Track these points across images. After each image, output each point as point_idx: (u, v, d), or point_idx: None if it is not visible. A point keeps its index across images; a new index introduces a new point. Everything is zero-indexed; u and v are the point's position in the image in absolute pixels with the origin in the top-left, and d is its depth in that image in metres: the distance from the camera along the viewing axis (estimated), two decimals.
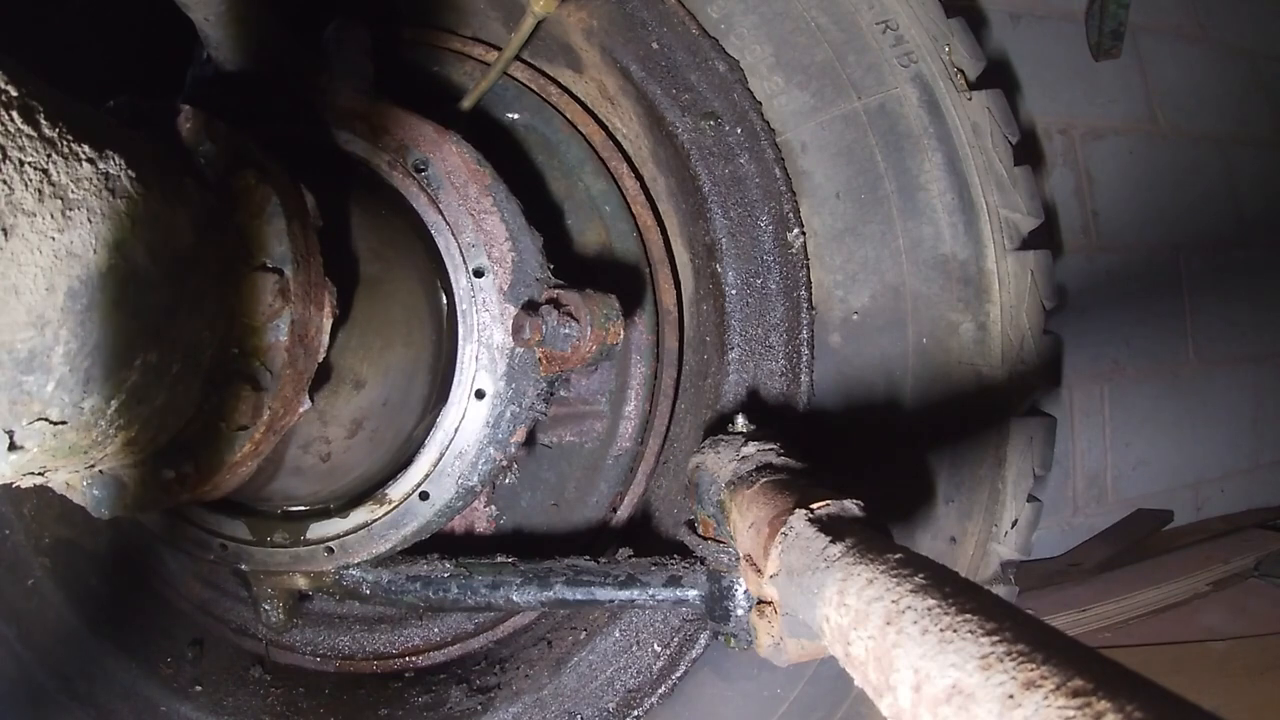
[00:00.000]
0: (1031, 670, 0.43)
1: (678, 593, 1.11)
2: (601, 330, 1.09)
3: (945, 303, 1.28)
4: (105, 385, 0.66)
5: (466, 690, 1.33)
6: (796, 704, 1.27)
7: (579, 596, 1.15)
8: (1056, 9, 2.64)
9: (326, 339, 0.90)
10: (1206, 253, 2.85)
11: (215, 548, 1.16)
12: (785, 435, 1.04)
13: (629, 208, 1.50)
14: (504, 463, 1.15)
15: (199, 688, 1.35)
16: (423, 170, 1.13)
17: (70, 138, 0.61)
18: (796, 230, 1.28)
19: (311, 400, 0.90)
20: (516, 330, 1.10)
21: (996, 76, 1.35)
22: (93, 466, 0.75)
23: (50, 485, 0.79)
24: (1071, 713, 0.40)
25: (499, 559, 1.23)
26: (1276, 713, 1.91)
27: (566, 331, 1.07)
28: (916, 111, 1.27)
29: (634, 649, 1.29)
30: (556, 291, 1.11)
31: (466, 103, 1.38)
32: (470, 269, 1.12)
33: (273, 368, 0.83)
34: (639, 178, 1.50)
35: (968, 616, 0.49)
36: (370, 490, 1.17)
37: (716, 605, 1.06)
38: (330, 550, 1.17)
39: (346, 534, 1.16)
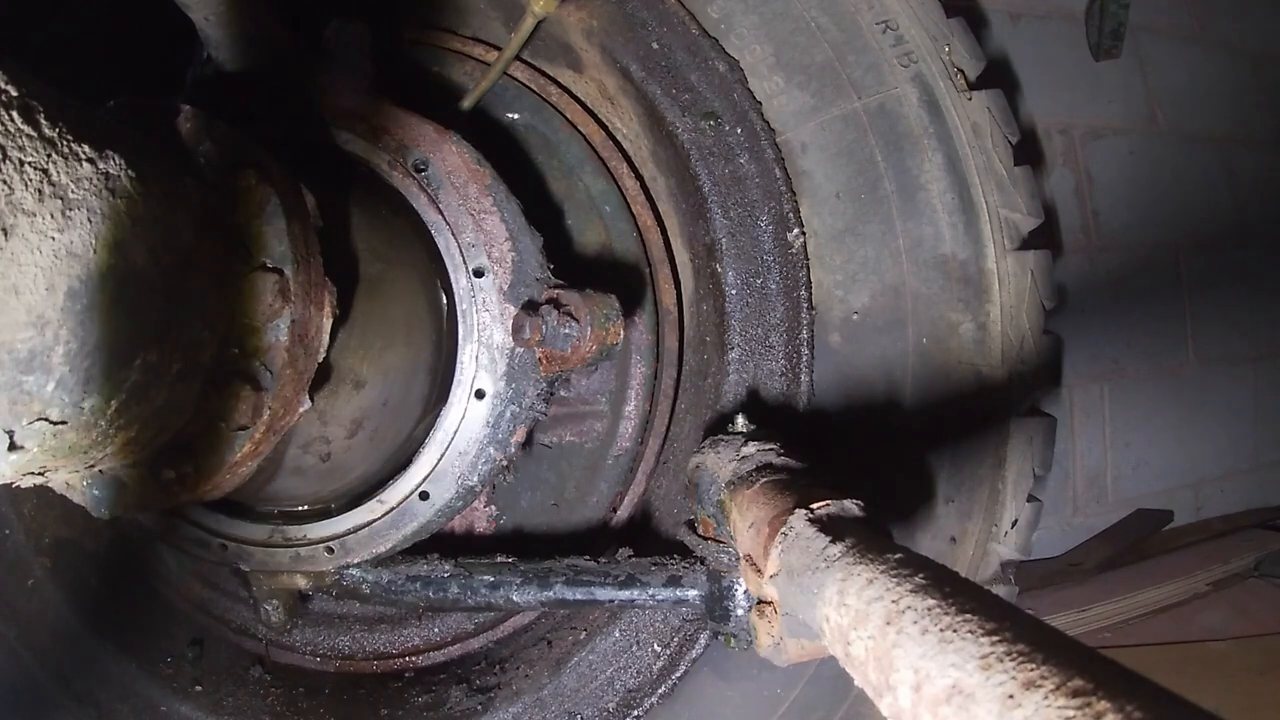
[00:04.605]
0: (1031, 670, 0.43)
1: (678, 593, 1.11)
2: (601, 330, 1.09)
3: (945, 303, 1.28)
4: (105, 385, 0.66)
5: (466, 690, 1.33)
6: (796, 704, 1.27)
7: (579, 596, 1.15)
8: (1056, 9, 2.64)
9: (326, 339, 0.89)
10: (1206, 253, 2.85)
11: (215, 548, 1.16)
12: (785, 435, 1.03)
13: (629, 207, 1.50)
14: (504, 463, 1.15)
15: (199, 688, 1.35)
16: (423, 170, 1.13)
17: (70, 138, 0.61)
18: (796, 230, 1.28)
19: (311, 400, 0.90)
20: (516, 330, 1.10)
21: (996, 76, 1.35)
22: (93, 466, 0.75)
23: (50, 485, 0.79)
24: (1071, 713, 0.40)
25: (499, 559, 1.23)
26: (1276, 713, 1.91)
27: (566, 331, 1.07)
28: (916, 111, 1.27)
29: (634, 649, 1.29)
30: (556, 291, 1.11)
31: (467, 103, 1.38)
32: (470, 269, 1.12)
33: (273, 368, 0.83)
34: (639, 178, 1.50)
35: (968, 616, 0.49)
36: (370, 490, 1.17)
37: (716, 605, 1.06)
38: (330, 550, 1.17)
39: (347, 534, 1.16)
